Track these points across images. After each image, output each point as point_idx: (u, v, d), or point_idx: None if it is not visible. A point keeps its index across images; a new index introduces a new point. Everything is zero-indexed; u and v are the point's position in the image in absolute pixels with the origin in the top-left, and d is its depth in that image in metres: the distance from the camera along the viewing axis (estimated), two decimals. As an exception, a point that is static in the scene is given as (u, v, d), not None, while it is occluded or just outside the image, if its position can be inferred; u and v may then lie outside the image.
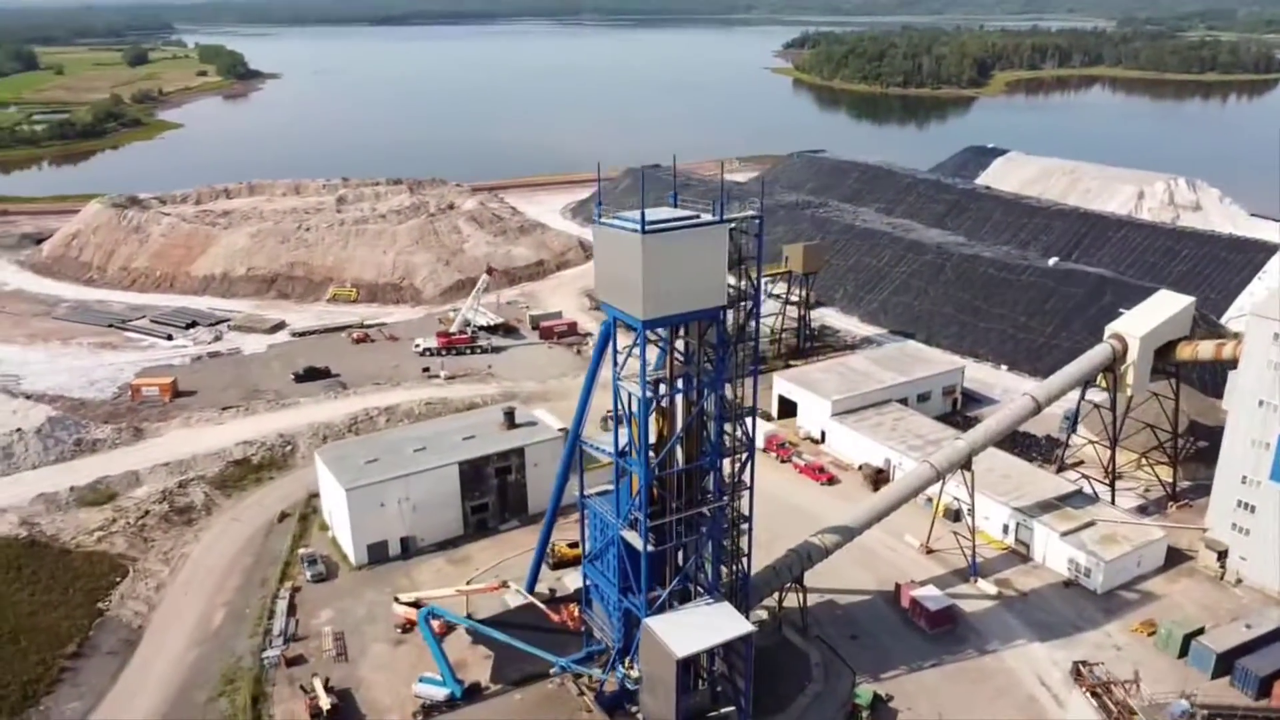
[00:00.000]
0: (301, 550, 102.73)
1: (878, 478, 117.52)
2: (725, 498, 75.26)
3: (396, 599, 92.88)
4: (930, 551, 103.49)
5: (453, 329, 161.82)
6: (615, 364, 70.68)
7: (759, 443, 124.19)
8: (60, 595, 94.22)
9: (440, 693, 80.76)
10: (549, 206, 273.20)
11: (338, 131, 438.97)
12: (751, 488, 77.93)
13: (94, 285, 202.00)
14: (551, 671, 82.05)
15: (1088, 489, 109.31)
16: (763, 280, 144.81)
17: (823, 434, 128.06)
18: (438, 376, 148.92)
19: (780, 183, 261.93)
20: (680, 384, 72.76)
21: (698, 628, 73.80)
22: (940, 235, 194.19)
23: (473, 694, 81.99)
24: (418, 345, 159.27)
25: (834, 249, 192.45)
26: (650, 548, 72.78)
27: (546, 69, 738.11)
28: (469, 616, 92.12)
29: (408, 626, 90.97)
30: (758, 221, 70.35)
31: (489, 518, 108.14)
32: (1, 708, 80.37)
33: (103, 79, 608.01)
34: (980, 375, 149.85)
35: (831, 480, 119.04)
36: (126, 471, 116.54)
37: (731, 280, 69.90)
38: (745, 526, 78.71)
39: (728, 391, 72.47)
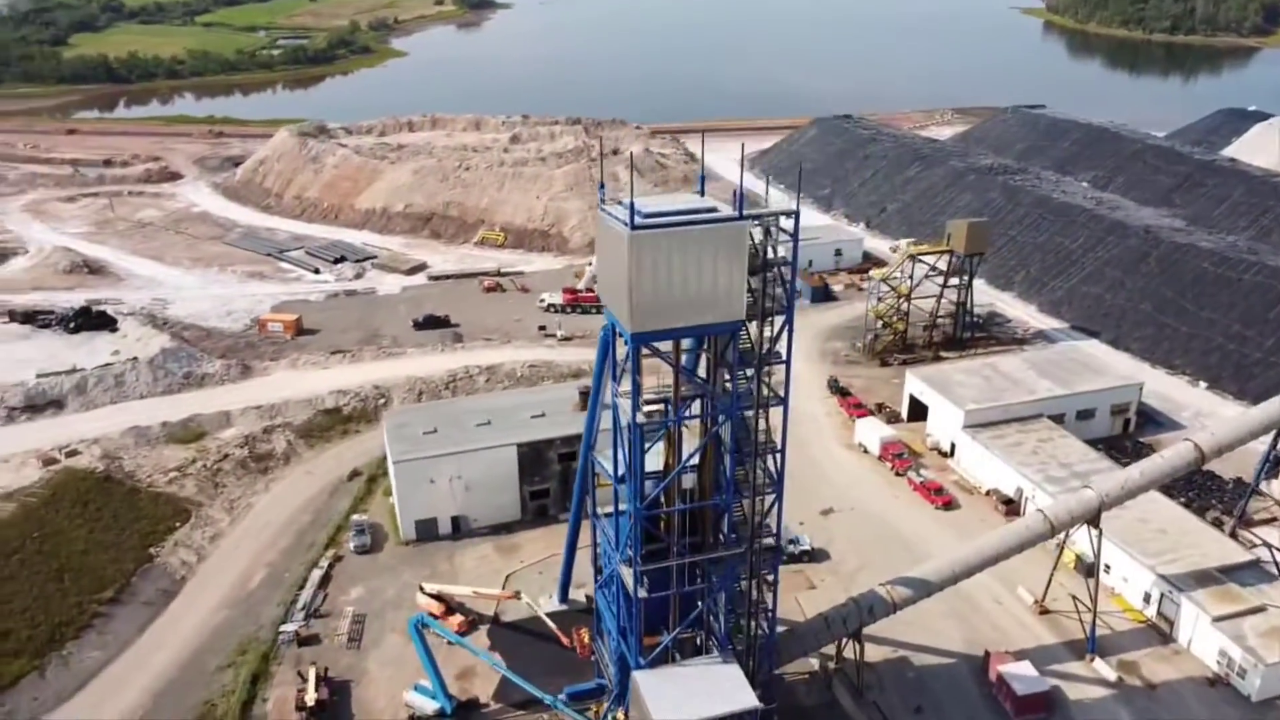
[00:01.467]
0: (354, 517, 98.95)
1: (1007, 509, 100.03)
2: (741, 546, 62.94)
3: (422, 588, 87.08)
4: (1045, 612, 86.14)
5: (581, 284, 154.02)
6: (614, 377, 59.61)
7: (874, 448, 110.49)
8: (116, 535, 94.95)
9: (430, 706, 74.21)
10: (730, 154, 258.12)
11: (543, 65, 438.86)
12: (778, 536, 65.31)
13: (269, 212, 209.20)
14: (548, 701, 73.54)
15: (1268, 560, 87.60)
16: (916, 262, 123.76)
17: (952, 447, 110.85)
18: (553, 335, 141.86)
19: (986, 142, 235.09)
20: (694, 408, 60.98)
21: (692, 692, 62.59)
22: (1153, 216, 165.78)
23: (467, 710, 74.96)
24: (543, 300, 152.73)
25: (1022, 224, 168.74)
26: (644, 593, 62.19)
27: (783, 8, 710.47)
28: (496, 616, 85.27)
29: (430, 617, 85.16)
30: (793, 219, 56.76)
31: (549, 505, 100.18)
32: (26, 648, 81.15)
33: (347, 7, 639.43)
34: (1170, 390, 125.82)
35: (950, 504, 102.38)
36: (220, 411, 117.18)
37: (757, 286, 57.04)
38: (770, 578, 66.34)
39: (751, 420, 59.94)
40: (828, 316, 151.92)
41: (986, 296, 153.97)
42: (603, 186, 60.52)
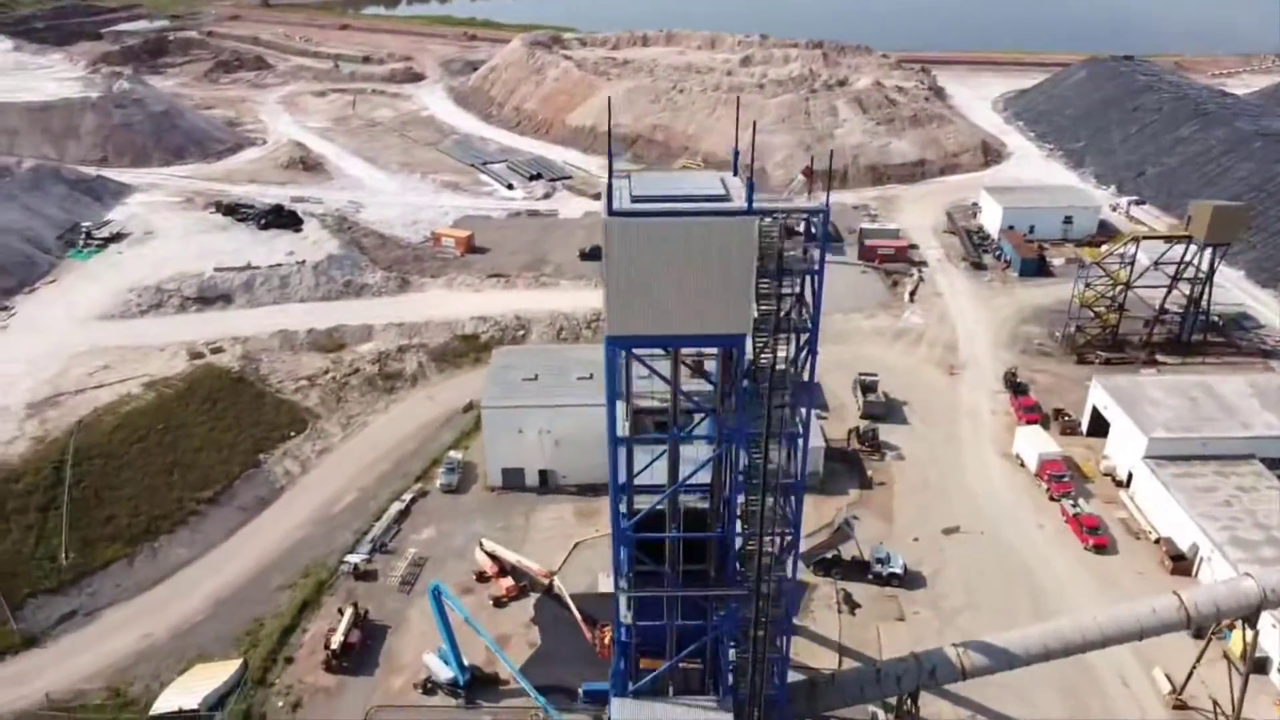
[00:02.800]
0: (450, 453, 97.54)
1: (1174, 567, 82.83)
2: (746, 586, 53.96)
3: (481, 544, 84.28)
4: (1182, 706, 70.54)
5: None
6: (612, 380, 51.49)
7: (1031, 463, 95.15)
8: (233, 436, 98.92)
9: (446, 673, 71.55)
10: (984, 92, 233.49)
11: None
12: (794, 576, 55.59)
13: (489, 122, 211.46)
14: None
15: None
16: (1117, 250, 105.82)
17: (1129, 478, 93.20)
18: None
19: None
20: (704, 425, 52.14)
21: (668, 738, 55.41)
22: None
23: (481, 686, 71.67)
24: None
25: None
26: (628, 618, 55.11)
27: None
28: (550, 587, 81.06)
29: (482, 576, 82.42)
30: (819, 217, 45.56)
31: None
32: (124, 535, 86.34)
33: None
34: None
35: (1103, 547, 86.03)
36: (364, 324, 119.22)
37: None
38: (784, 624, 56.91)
39: (769, 450, 50.28)
40: (1033, 294, 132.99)
41: (1240, 294, 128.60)
42: (611, 156, 50.83)
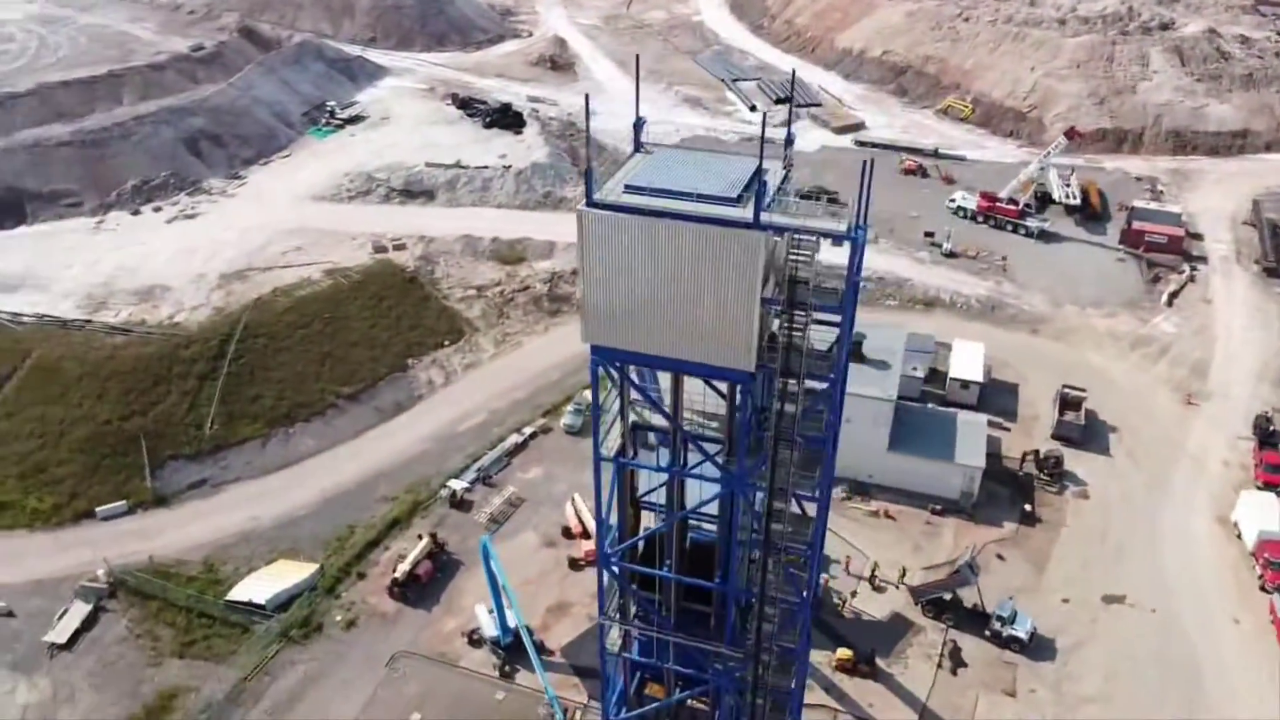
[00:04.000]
0: (583, 392, 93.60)
1: (1404, 713, 64.31)
2: (739, 653, 45.94)
3: (573, 500, 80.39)
4: None
5: (1003, 194, 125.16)
6: (595, 392, 43.75)
7: (1249, 536, 77.28)
8: (390, 336, 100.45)
9: (491, 629, 69.07)
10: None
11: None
12: (806, 647, 46.76)
13: (757, 33, 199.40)
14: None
15: None
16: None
17: (1380, 583, 73.06)
18: (938, 246, 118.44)
19: None
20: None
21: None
22: None
23: (520, 652, 68.31)
24: (953, 200, 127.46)
25: None
26: (613, 647, 49.11)
27: None
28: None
29: (568, 533, 78.88)
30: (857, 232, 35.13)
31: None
32: (265, 417, 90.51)
33: None
34: None
35: (1316, 666, 68.41)
36: (548, 240, 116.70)
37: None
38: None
39: (772, 509, 41.55)
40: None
41: None
42: (640, 128, 41.83)
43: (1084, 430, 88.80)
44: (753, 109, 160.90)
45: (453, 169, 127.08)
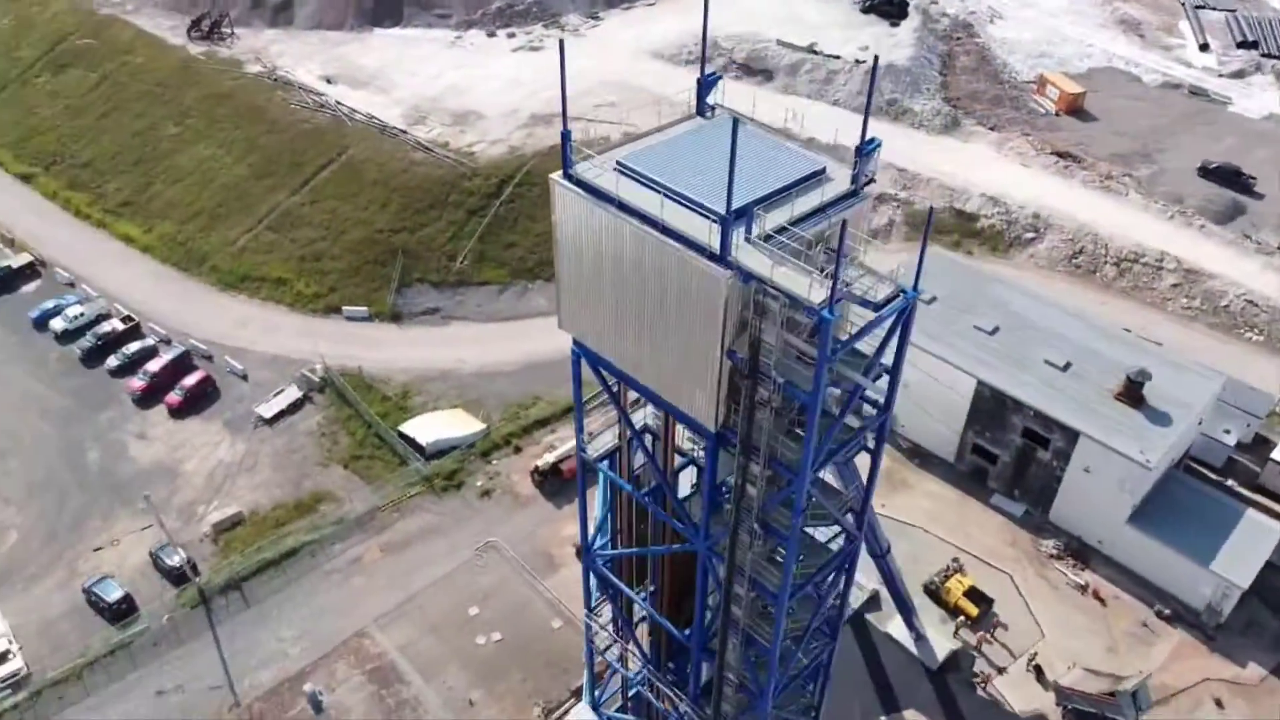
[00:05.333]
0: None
1: None
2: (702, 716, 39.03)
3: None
4: None
5: None
6: (577, 385, 36.93)
7: None
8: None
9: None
10: None
11: None
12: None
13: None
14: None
15: None
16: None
17: None
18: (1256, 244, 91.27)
19: None
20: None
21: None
22: None
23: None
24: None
25: None
26: (602, 644, 44.32)
27: None
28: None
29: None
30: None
31: (993, 478, 72.31)
32: (510, 264, 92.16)
33: None
34: None
35: None
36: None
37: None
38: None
39: (730, 578, 33.62)
40: None
41: None
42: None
43: None
44: (1203, 49, 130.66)
45: (802, 52, 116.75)
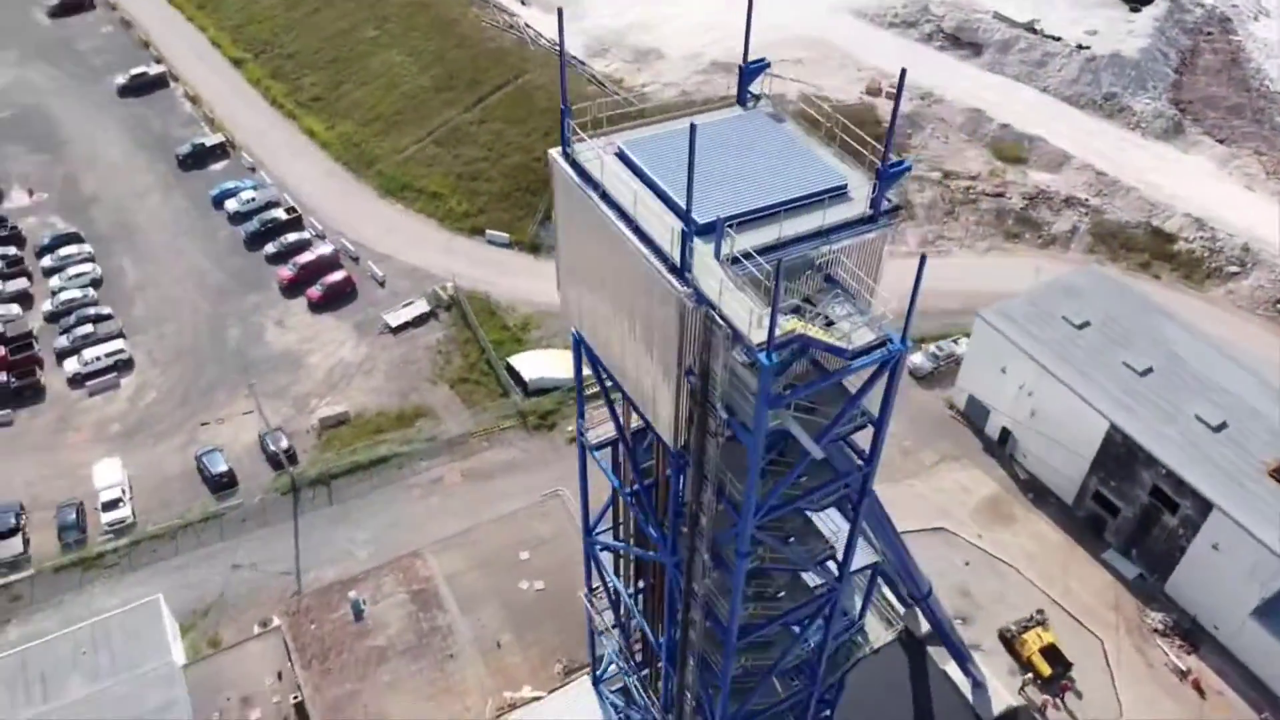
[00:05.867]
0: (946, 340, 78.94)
1: None
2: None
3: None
4: None
5: None
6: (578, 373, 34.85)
7: None
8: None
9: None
10: None
11: None
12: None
13: None
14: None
15: None
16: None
17: None
18: None
19: None
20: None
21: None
22: None
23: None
24: None
25: None
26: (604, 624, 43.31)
27: None
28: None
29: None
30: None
31: (1111, 531, 65.49)
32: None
33: None
34: None
35: None
36: (1063, 151, 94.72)
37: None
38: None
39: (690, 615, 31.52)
40: None
41: None
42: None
43: None
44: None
45: (1020, 29, 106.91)
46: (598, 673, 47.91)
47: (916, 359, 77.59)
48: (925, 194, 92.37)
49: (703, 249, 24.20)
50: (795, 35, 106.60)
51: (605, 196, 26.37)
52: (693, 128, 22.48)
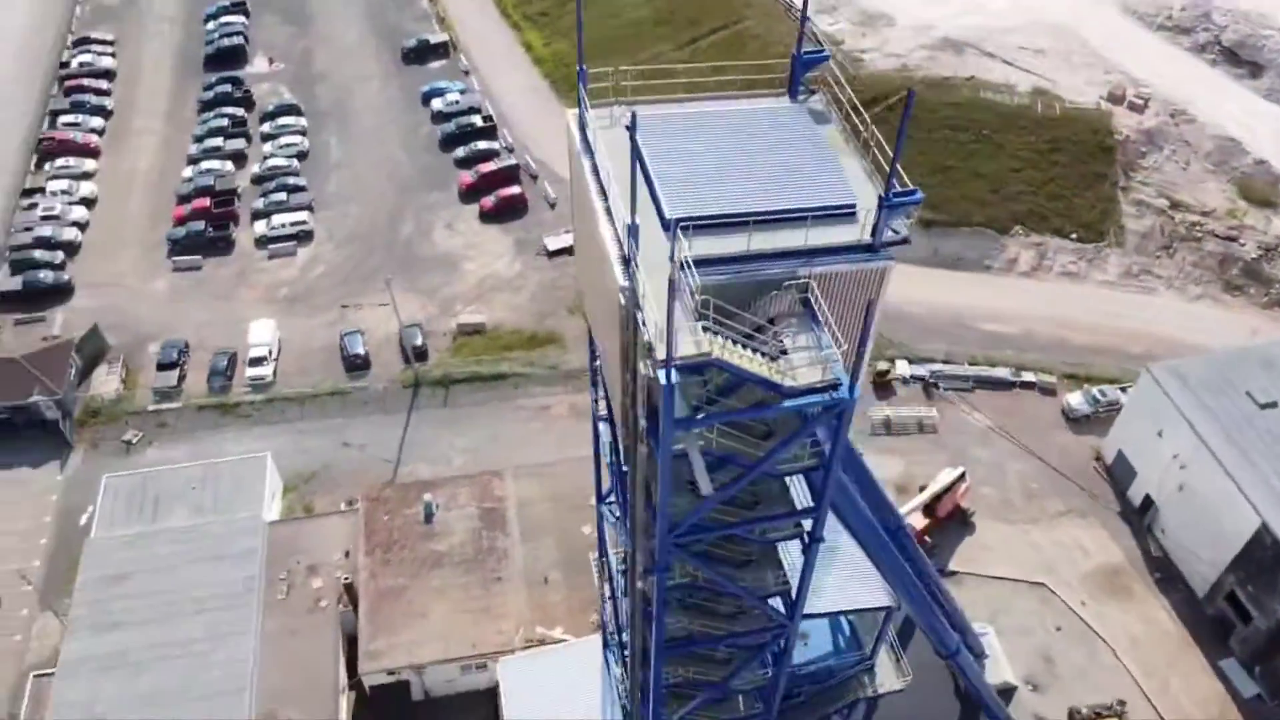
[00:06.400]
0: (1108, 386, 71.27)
1: None
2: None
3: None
4: None
5: None
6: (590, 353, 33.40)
7: None
8: (1023, 190, 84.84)
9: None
10: None
11: None
12: None
13: None
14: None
15: None
16: None
17: None
18: None
19: None
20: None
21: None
22: None
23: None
24: None
25: None
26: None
27: None
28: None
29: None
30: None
31: (1237, 639, 57.88)
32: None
33: None
34: None
35: None
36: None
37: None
38: None
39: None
40: None
41: None
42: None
43: None
44: None
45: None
46: (606, 636, 47.83)
47: (1074, 399, 70.95)
48: (1143, 221, 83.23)
49: (664, 246, 22.55)
50: (1045, 22, 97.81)
51: (595, 169, 25.06)
52: (633, 116, 20.68)
